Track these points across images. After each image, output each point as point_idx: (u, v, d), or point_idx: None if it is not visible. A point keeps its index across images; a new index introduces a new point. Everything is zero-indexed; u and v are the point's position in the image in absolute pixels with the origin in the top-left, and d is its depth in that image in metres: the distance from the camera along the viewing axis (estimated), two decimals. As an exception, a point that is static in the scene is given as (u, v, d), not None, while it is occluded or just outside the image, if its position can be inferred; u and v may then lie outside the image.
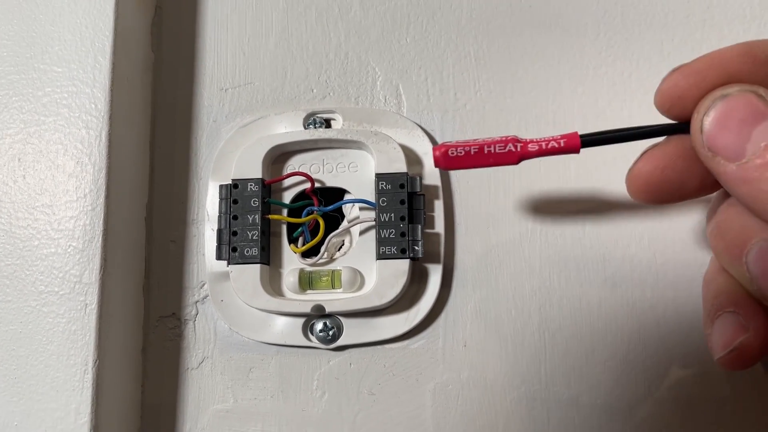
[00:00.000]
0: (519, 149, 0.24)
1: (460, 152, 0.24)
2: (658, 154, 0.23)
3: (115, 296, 0.29)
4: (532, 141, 0.24)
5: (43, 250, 0.29)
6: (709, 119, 0.21)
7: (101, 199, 0.29)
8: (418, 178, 0.30)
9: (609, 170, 0.31)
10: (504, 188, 0.31)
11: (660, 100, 0.22)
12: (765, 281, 0.21)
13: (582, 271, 0.30)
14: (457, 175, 0.31)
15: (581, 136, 0.23)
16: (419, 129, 0.31)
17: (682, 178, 0.23)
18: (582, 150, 0.24)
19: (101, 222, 0.29)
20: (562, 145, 0.23)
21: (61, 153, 0.29)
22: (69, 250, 0.29)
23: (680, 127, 0.22)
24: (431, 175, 0.31)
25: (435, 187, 0.31)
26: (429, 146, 0.31)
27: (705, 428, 0.29)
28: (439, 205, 0.31)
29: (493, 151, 0.24)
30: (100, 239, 0.29)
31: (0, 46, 0.30)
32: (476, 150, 0.24)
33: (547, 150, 0.23)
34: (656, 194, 0.24)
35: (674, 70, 0.22)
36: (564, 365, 0.30)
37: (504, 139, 0.24)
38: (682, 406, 0.29)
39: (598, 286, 0.30)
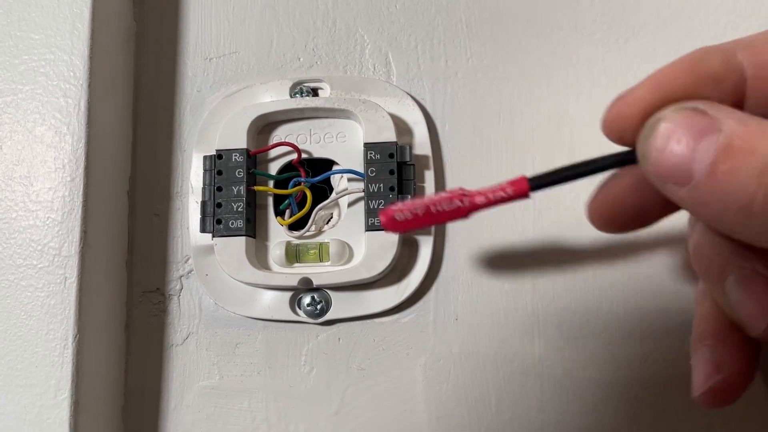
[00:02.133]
0: (467, 203, 0.22)
1: (408, 215, 0.22)
2: (614, 188, 0.22)
3: (97, 270, 0.28)
4: (479, 193, 0.22)
5: (20, 222, 0.28)
6: (649, 147, 0.19)
7: (80, 170, 0.28)
8: (408, 147, 0.29)
9: (603, 138, 0.30)
10: (497, 159, 0.30)
11: (607, 131, 0.21)
12: (745, 312, 0.20)
13: (577, 242, 0.29)
14: (448, 145, 0.30)
15: (529, 180, 0.22)
16: (409, 98, 0.31)
17: (644, 205, 0.22)
18: (531, 194, 0.22)
19: (80, 193, 0.28)
20: (510, 193, 0.22)
21: (38, 122, 0.28)
22: (48, 222, 0.28)
23: (630, 156, 0.21)
24: (422, 144, 0.30)
25: (425, 157, 0.30)
26: (419, 115, 0.30)
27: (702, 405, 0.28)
28: (429, 176, 0.30)
29: (441, 209, 0.22)
30: (80, 211, 0.28)
31: (-26, 13, 0.29)
32: (423, 210, 0.22)
33: (495, 200, 0.22)
34: (621, 226, 0.23)
35: (617, 99, 0.21)
36: (558, 338, 0.29)
37: (450, 195, 0.23)
38: (681, 380, 0.28)
39: (593, 256, 0.29)
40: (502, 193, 0.22)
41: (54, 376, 0.27)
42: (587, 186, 0.29)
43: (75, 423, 0.27)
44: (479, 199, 0.22)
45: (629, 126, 0.20)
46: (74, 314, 0.27)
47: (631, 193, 0.22)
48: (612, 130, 0.21)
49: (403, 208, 0.22)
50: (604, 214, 0.23)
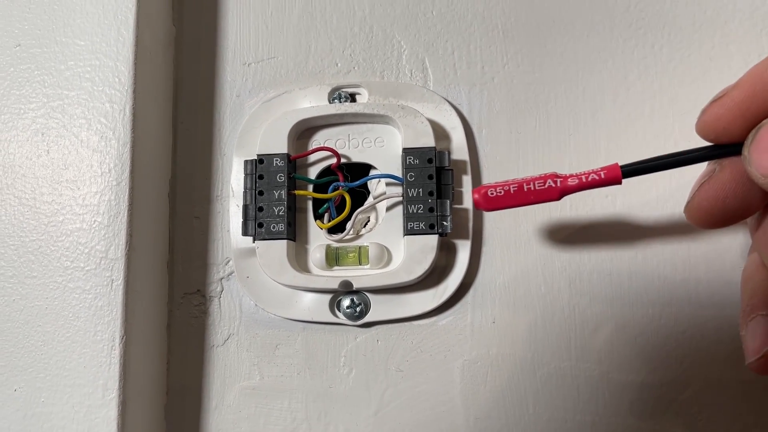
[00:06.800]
0: (559, 185, 0.23)
1: (500, 192, 0.24)
2: (715, 185, 0.23)
3: (141, 272, 0.29)
4: (572, 175, 0.23)
5: (68, 225, 0.28)
6: (750, 149, 0.20)
7: (126, 174, 0.29)
8: (446, 152, 0.30)
9: (639, 143, 0.30)
10: (533, 163, 0.31)
11: (703, 132, 0.22)
12: (749, 347, 0.22)
13: (612, 246, 0.30)
14: (485, 150, 0.31)
15: (622, 166, 0.23)
16: (446, 103, 0.31)
17: (744, 202, 0.23)
18: (624, 181, 0.23)
19: (126, 197, 0.28)
20: (603, 177, 0.23)
21: (84, 127, 0.29)
22: (94, 226, 0.28)
23: (729, 149, 0.21)
24: (459, 149, 0.30)
25: (463, 162, 0.30)
26: (457, 120, 0.31)
27: (737, 407, 0.29)
28: (467, 181, 0.30)
29: (533, 189, 0.23)
30: (126, 214, 0.28)
31: (21, 19, 0.30)
32: (516, 188, 0.23)
33: (587, 183, 0.23)
34: (719, 222, 0.23)
35: (714, 101, 0.22)
36: (594, 341, 0.29)
37: (543, 176, 0.24)
38: (716, 382, 0.29)
39: (628, 261, 0.29)
40: (595, 177, 0.23)
41: (102, 376, 0.28)
42: (626, 191, 0.30)
43: (122, 422, 0.27)
44: (572, 181, 0.23)
45: (729, 128, 0.21)
46: (121, 316, 0.28)
47: (732, 193, 0.22)
48: (709, 131, 0.22)
49: (496, 185, 0.23)
50: (703, 213, 0.23)
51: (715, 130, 0.21)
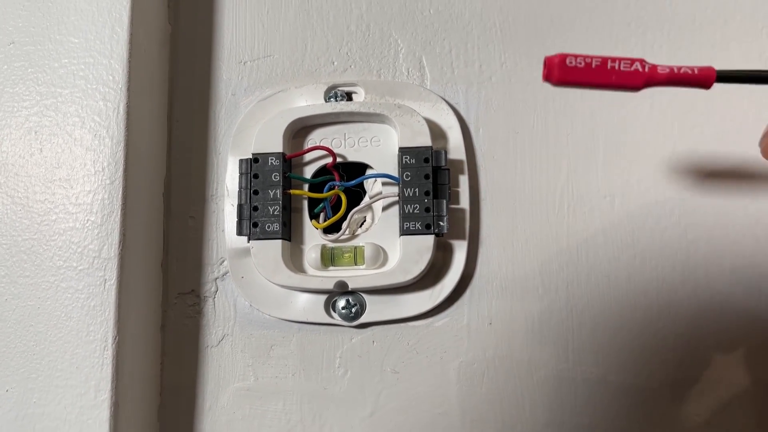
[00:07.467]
0: (647, 71, 0.20)
1: (580, 63, 0.20)
2: None
3: (134, 272, 0.29)
4: (661, 65, 0.21)
5: (60, 224, 0.28)
6: None
7: (119, 173, 0.28)
8: (443, 152, 0.29)
9: (638, 143, 0.30)
10: (530, 163, 0.30)
11: None
12: None
13: (611, 247, 0.29)
14: (482, 150, 0.31)
15: (717, 70, 0.20)
16: (443, 102, 0.31)
17: None
18: (714, 85, 0.21)
19: (120, 196, 0.28)
20: (695, 73, 0.20)
21: (78, 126, 0.29)
22: (87, 225, 0.28)
23: None
24: (456, 149, 0.30)
25: (460, 162, 0.30)
26: (454, 119, 0.30)
27: (737, 410, 0.28)
28: (464, 180, 0.30)
29: (617, 68, 0.20)
30: (119, 213, 0.28)
31: (15, 16, 0.30)
32: (598, 64, 0.20)
33: (677, 76, 0.20)
34: None
35: None
36: (592, 343, 0.29)
37: (631, 58, 0.21)
38: (715, 384, 0.28)
39: (627, 262, 0.29)
40: (687, 71, 0.21)
41: (94, 377, 0.27)
42: (624, 192, 0.29)
43: (114, 423, 0.27)
44: (662, 70, 0.21)
45: None
46: (114, 316, 0.27)
47: None
48: None
49: (576, 55, 0.20)
50: None
51: None
